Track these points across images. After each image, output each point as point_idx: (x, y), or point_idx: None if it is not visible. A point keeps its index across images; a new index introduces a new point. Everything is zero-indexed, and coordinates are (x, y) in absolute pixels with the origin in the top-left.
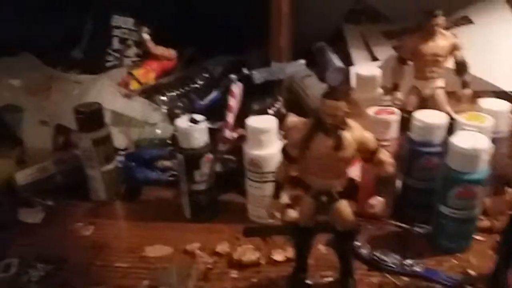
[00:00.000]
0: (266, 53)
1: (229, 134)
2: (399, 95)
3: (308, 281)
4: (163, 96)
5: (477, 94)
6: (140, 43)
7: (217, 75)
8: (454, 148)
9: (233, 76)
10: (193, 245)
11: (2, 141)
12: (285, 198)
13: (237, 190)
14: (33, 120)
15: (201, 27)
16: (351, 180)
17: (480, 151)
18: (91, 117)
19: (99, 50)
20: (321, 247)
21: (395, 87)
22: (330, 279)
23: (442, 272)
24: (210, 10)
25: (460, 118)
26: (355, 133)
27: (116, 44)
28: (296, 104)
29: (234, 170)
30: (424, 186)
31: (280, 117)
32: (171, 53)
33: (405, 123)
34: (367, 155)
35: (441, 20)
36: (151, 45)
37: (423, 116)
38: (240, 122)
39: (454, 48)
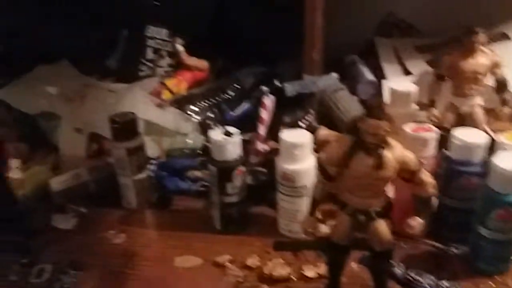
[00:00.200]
0: (297, 66)
1: (260, 146)
2: (435, 111)
3: None
4: (194, 106)
5: None
6: (173, 54)
7: (249, 87)
8: (496, 169)
9: (265, 88)
10: (223, 257)
11: (38, 148)
12: (317, 213)
13: (268, 203)
14: (68, 128)
15: (233, 38)
16: (387, 198)
17: None
18: (126, 127)
19: (133, 59)
20: (353, 265)
21: (432, 103)
22: None
23: None
24: (243, 22)
25: (500, 137)
26: (396, 152)
27: (149, 54)
28: (327, 117)
29: (265, 183)
30: (461, 205)
31: (312, 130)
32: (203, 64)
33: (442, 140)
34: (408, 175)
35: (481, 37)
36: (185, 56)
37: (463, 134)
38: (270, 134)
39: (494, 66)
